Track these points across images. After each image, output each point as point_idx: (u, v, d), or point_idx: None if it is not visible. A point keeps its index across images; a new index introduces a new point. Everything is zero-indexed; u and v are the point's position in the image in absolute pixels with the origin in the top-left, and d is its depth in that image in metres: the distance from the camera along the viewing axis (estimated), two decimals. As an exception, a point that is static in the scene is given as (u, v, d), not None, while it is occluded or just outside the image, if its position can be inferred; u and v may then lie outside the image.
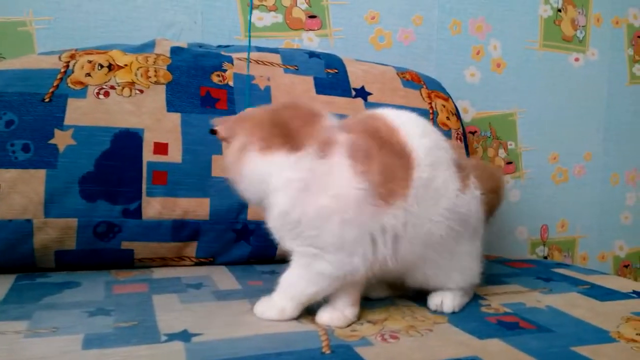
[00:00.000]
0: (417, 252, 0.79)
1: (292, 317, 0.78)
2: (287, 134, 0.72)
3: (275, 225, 0.76)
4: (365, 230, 0.74)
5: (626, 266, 1.96)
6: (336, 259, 0.74)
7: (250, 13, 1.39)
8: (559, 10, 1.78)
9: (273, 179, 0.73)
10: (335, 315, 0.78)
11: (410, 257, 0.79)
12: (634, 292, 1.01)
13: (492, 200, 0.95)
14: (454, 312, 0.85)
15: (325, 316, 0.78)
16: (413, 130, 0.79)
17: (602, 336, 0.78)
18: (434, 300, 0.86)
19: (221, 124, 0.77)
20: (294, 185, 0.72)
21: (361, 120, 0.81)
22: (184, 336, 0.71)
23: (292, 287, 0.78)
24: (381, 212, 0.73)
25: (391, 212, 0.74)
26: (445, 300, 0.85)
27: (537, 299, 0.94)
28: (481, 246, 0.89)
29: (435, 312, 0.86)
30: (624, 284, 1.06)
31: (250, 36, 1.41)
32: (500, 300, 0.92)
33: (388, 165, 0.74)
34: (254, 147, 0.73)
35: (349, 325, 0.78)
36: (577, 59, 1.82)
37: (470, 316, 0.84)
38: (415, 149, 0.77)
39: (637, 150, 1.93)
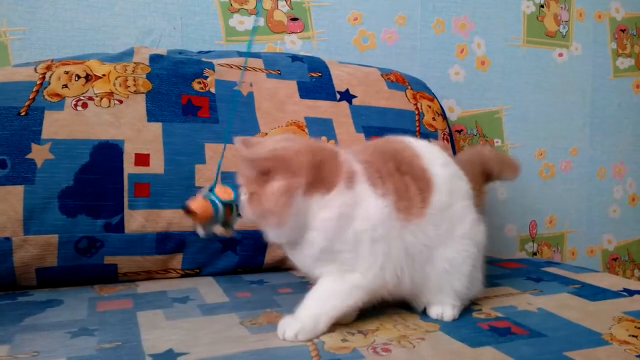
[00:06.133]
0: (429, 274, 0.82)
1: (323, 333, 0.77)
2: (322, 177, 0.75)
3: (310, 259, 0.77)
4: (393, 246, 0.78)
5: (615, 259, 1.96)
6: (371, 273, 0.77)
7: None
8: (542, 6, 1.77)
9: (311, 220, 0.75)
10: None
11: (420, 279, 0.82)
12: (625, 289, 1.00)
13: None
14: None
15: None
16: (435, 159, 0.84)
17: (594, 339, 0.77)
18: (435, 310, 0.85)
19: (249, 155, 0.74)
20: (331, 223, 0.75)
21: (378, 145, 0.86)
22: (169, 356, 0.69)
23: (327, 302, 0.77)
24: (403, 228, 0.78)
25: (411, 228, 0.79)
26: (446, 311, 0.85)
27: (528, 302, 0.93)
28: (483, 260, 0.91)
29: (427, 317, 0.85)
30: (615, 282, 1.06)
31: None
32: (491, 304, 0.91)
33: (404, 185, 0.79)
34: (300, 190, 0.73)
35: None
36: (560, 54, 1.82)
37: (462, 323, 0.83)
38: (435, 175, 0.82)
39: (623, 144, 1.93)
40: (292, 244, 0.78)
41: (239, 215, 0.81)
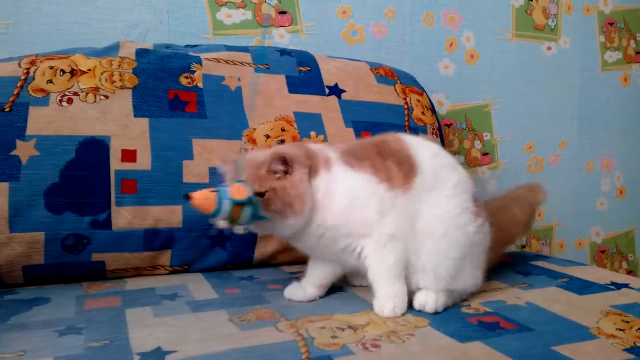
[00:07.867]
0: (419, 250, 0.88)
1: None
2: (312, 165, 0.87)
3: (322, 240, 0.87)
4: (384, 205, 0.86)
5: (603, 252, 1.98)
6: (386, 220, 0.86)
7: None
8: (530, 0, 1.77)
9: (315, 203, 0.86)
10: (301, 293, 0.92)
11: (414, 252, 0.88)
12: (613, 283, 1.01)
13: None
14: (436, 313, 0.85)
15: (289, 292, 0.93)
16: (424, 151, 0.92)
17: (582, 333, 0.78)
18: (418, 300, 0.86)
19: (282, 152, 0.83)
20: (325, 202, 0.86)
21: (368, 139, 0.96)
22: (158, 355, 0.69)
23: (385, 267, 0.86)
24: (389, 193, 0.86)
25: (400, 197, 0.87)
26: (429, 301, 0.85)
27: (517, 296, 0.94)
28: (483, 259, 0.93)
29: (418, 312, 0.85)
30: (602, 275, 1.07)
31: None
32: (480, 299, 0.91)
33: (382, 164, 0.88)
34: (307, 175, 0.85)
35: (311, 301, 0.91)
36: (549, 48, 1.82)
37: (451, 318, 0.83)
38: (421, 162, 0.90)
39: (611, 137, 1.95)
40: (301, 232, 0.86)
41: (260, 217, 0.82)
